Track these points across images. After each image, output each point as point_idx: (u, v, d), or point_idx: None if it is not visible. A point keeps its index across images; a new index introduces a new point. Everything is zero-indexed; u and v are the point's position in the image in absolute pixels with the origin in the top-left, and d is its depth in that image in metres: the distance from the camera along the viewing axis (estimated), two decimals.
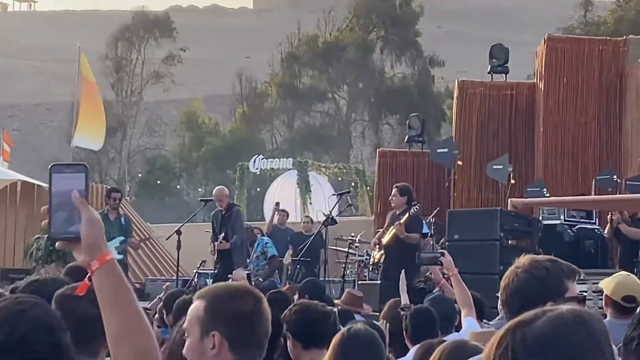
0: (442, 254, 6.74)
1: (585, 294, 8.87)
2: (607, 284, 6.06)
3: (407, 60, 52.15)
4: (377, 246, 11.68)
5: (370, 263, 12.36)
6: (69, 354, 2.30)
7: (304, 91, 50.79)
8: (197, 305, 2.70)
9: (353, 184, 31.01)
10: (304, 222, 16.41)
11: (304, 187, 26.35)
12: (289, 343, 4.34)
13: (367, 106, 52.36)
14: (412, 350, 5.95)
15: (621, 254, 12.61)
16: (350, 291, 9.49)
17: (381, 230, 12.06)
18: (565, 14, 47.86)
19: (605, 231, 12.88)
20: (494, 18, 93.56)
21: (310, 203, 25.74)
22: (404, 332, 6.31)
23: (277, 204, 16.73)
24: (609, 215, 12.35)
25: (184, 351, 2.71)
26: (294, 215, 25.73)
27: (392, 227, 11.29)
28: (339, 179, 31.12)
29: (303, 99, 50.92)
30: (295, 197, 26.65)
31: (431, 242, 12.67)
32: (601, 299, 6.01)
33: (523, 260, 3.16)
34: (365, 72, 50.46)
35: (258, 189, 34.22)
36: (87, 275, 2.22)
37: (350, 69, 50.32)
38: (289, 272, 15.03)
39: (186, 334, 2.71)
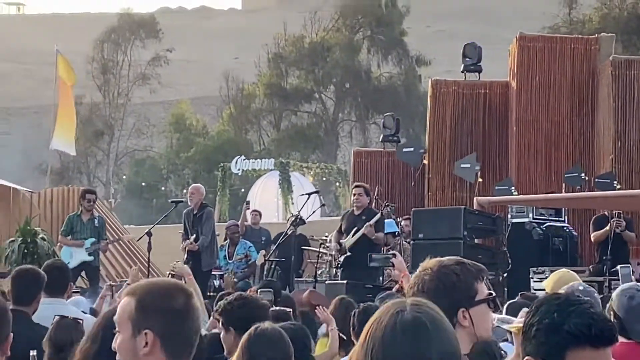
0: (394, 255, 6.78)
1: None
2: (547, 283, 6.12)
3: (393, 59, 52.25)
4: (339, 250, 11.76)
5: (335, 266, 12.42)
6: None
7: (290, 91, 50.84)
8: (127, 302, 2.67)
9: (337, 183, 31.08)
10: (252, 215, 16.43)
11: (286, 187, 26.40)
12: (222, 333, 4.40)
13: (354, 106, 52.44)
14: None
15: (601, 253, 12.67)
16: (312, 291, 9.56)
17: (335, 231, 12.15)
18: (551, 12, 47.90)
19: (595, 234, 12.76)
20: (482, 17, 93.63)
21: (293, 203, 25.77)
22: (351, 329, 6.37)
23: (248, 202, 16.78)
24: (612, 221, 12.39)
25: (114, 347, 2.69)
26: (275, 216, 25.80)
27: (354, 228, 11.40)
28: (323, 179, 31.18)
29: (290, 100, 50.97)
30: (277, 197, 26.71)
31: (399, 242, 12.71)
32: None
33: (430, 264, 3.15)
34: (352, 72, 50.51)
35: (243, 190, 34.26)
36: None
37: (336, 69, 50.36)
38: (264, 272, 15.07)
39: (117, 330, 2.69)
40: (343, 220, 12.11)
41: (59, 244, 14.94)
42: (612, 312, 4.52)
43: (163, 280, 2.82)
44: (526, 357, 2.51)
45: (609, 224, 12.38)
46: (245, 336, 3.67)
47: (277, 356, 3.60)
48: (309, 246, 16.18)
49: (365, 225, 11.36)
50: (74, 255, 13.78)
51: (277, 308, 6.85)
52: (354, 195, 11.80)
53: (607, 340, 2.50)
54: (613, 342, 2.53)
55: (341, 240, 11.79)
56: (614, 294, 4.78)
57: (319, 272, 14.17)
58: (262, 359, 3.56)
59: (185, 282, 8.32)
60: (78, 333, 4.89)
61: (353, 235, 11.55)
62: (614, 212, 12.64)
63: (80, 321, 5.58)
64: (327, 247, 14.85)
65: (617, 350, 2.59)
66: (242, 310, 4.46)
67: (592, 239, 12.82)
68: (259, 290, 8.16)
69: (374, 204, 13.62)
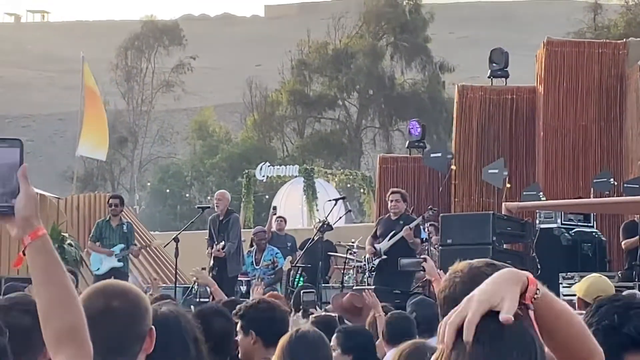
0: (425, 259, 6.76)
1: None
2: (579, 287, 6.07)
3: (417, 66, 52.13)
4: (373, 253, 11.78)
5: (367, 269, 12.42)
6: (7, 356, 2.32)
7: (314, 98, 50.85)
8: None
9: (361, 190, 31.05)
10: (277, 222, 16.44)
11: (310, 194, 26.39)
12: (240, 337, 4.36)
13: (378, 112, 52.36)
14: (389, 353, 5.99)
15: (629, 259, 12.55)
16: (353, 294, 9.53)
17: (370, 236, 12.16)
18: (576, 18, 47.75)
19: (627, 242, 12.65)
20: (506, 23, 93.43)
21: (317, 210, 25.76)
22: (381, 336, 6.35)
23: (275, 208, 16.82)
24: None
25: None
26: (300, 222, 25.79)
27: (390, 233, 11.43)
28: (347, 185, 31.15)
29: (313, 106, 50.97)
30: (301, 204, 26.69)
31: (426, 248, 12.68)
32: None
33: (460, 267, 3.12)
34: (375, 79, 50.44)
35: (267, 197, 34.29)
36: (22, 250, 2.22)
37: (360, 76, 50.31)
38: (290, 278, 15.07)
39: None
40: (379, 225, 12.14)
41: (87, 249, 15.00)
42: None
43: (111, 282, 2.78)
44: None
45: None
46: (285, 338, 3.65)
47: (318, 359, 3.58)
48: (336, 252, 16.17)
49: (405, 228, 11.43)
50: (103, 262, 13.83)
51: (323, 313, 6.84)
52: (392, 201, 11.84)
53: None
54: None
55: (376, 245, 11.81)
56: None
57: (345, 277, 14.15)
58: None
59: (210, 292, 8.29)
60: None
61: (390, 239, 11.57)
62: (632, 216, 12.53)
63: None
64: (354, 252, 14.83)
65: None
66: (265, 314, 4.44)
67: (624, 247, 12.69)
68: (302, 292, 8.19)
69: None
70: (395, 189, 12.66)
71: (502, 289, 1.84)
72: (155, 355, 2.74)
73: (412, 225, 11.40)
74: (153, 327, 2.61)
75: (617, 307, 2.52)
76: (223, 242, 12.85)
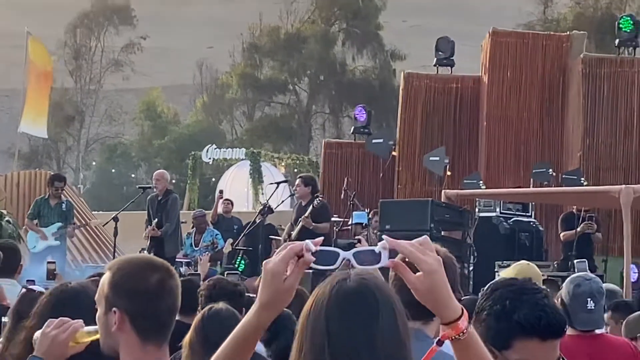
0: (359, 241, 6.77)
1: None
2: (507, 273, 6.16)
3: (368, 53, 52.17)
4: (288, 241, 11.82)
5: None
6: None
7: (264, 82, 50.67)
8: (104, 278, 2.69)
9: None
10: (223, 204, 16.40)
11: (257, 177, 26.36)
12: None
13: (328, 98, 52.36)
14: None
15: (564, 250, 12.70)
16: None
17: (289, 224, 12.20)
18: (527, 10, 48.08)
19: (565, 234, 12.77)
20: (458, 13, 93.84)
21: (263, 193, 25.73)
22: None
23: (221, 191, 16.74)
24: (584, 224, 12.39)
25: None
26: (245, 205, 25.75)
27: (299, 219, 11.49)
28: (294, 170, 31.14)
29: (263, 90, 50.80)
30: (247, 187, 26.66)
31: (365, 233, 12.71)
32: None
33: None
34: (327, 64, 50.41)
35: (213, 179, 34.17)
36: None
37: (311, 61, 50.25)
38: (230, 260, 15.03)
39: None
40: (294, 212, 12.23)
41: (24, 227, 14.82)
42: (560, 299, 4.55)
43: (140, 257, 2.79)
44: None
45: (581, 227, 12.41)
46: (198, 316, 3.64)
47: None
48: (277, 235, 16.14)
49: (302, 218, 11.48)
50: (39, 240, 13.67)
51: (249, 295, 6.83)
52: (295, 185, 11.96)
53: (555, 333, 2.49)
54: (561, 335, 2.52)
55: (292, 232, 11.87)
56: (565, 282, 4.82)
57: None
58: (215, 339, 3.53)
59: None
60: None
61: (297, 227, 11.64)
62: (586, 214, 12.66)
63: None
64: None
65: (562, 342, 2.59)
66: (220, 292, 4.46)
67: (562, 238, 12.86)
68: (225, 273, 8.15)
69: (342, 195, 13.62)
70: (300, 174, 12.80)
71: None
72: None
73: (307, 213, 11.41)
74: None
75: (510, 291, 2.52)
76: (157, 220, 12.75)
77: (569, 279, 4.66)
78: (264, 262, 2.10)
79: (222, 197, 16.50)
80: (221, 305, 3.72)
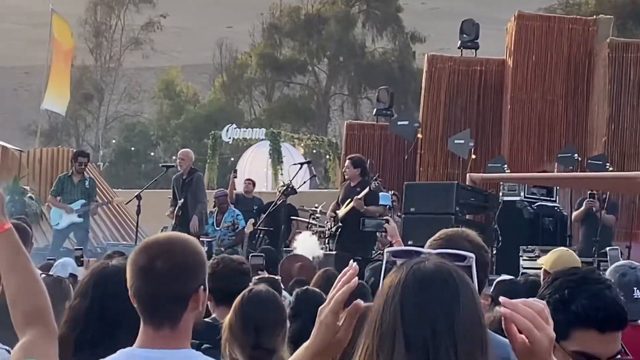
0: (387, 221, 6.73)
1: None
2: (546, 260, 6.10)
3: (388, 35, 51.99)
4: (333, 219, 11.76)
5: (327, 235, 12.41)
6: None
7: (283, 62, 50.59)
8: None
9: (327, 156, 30.98)
10: (245, 184, 16.36)
11: (276, 157, 26.27)
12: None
13: (347, 80, 52.24)
14: None
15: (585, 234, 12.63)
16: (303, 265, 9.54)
17: (334, 202, 12.13)
18: None
19: (574, 214, 12.77)
20: None
21: (282, 174, 25.66)
22: None
23: (235, 171, 16.69)
24: (586, 201, 12.34)
25: None
26: (264, 185, 25.72)
27: (348, 200, 11.39)
28: (313, 151, 31.06)
29: (282, 71, 50.73)
30: (267, 167, 26.60)
31: (390, 215, 12.66)
32: None
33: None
34: (346, 46, 50.27)
35: (232, 159, 34.16)
36: None
37: (331, 42, 50.12)
38: (252, 241, 15.01)
39: None
40: (341, 191, 12.12)
41: (47, 203, 14.85)
42: None
43: (155, 236, 2.76)
44: None
45: (584, 204, 12.35)
46: (238, 298, 3.61)
47: (270, 318, 3.55)
48: (298, 216, 16.12)
49: (354, 199, 11.40)
50: (63, 217, 13.69)
51: (267, 275, 6.79)
52: (344, 168, 11.82)
53: (614, 326, 2.44)
54: (622, 328, 2.47)
55: (337, 211, 11.79)
56: (608, 272, 4.74)
57: None
58: (254, 321, 3.51)
59: None
60: (60, 291, 4.85)
61: (345, 207, 11.55)
62: (587, 192, 12.60)
63: (64, 279, 5.54)
64: (317, 217, 14.80)
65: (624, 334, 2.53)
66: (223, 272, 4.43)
67: (572, 219, 12.81)
68: (250, 256, 8.11)
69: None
70: (350, 155, 12.66)
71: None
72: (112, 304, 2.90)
73: (361, 195, 11.36)
74: (203, 286, 2.58)
75: (570, 281, 2.47)
76: (183, 200, 12.75)
77: (612, 268, 4.59)
78: (318, 310, 2.10)
79: (236, 177, 16.45)
80: (261, 286, 3.69)
